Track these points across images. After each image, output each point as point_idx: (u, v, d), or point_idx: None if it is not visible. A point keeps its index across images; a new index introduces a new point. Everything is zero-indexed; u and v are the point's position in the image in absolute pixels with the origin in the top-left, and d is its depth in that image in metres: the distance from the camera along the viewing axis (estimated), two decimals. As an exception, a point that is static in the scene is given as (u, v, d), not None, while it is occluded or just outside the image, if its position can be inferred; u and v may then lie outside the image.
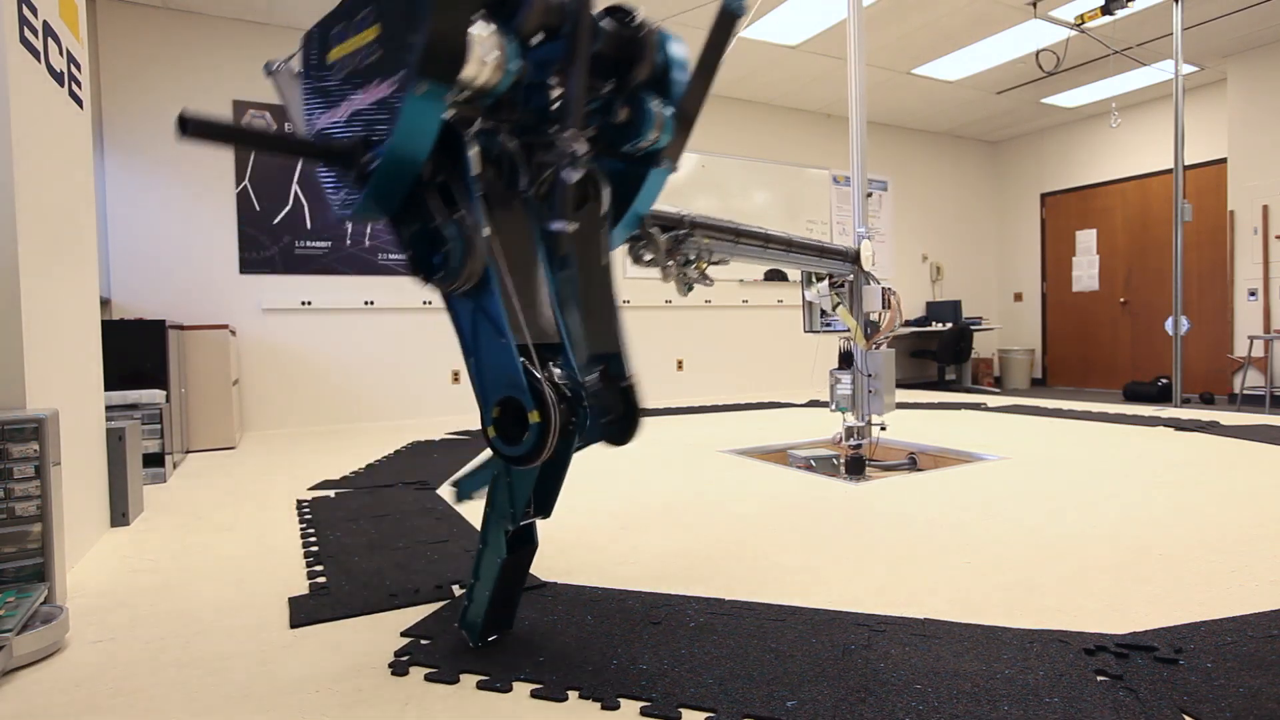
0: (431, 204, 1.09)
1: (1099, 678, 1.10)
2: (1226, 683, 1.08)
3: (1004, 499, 2.29)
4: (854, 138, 3.11)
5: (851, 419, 2.96)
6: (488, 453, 1.23)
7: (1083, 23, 4.72)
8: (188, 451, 3.66)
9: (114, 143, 4.18)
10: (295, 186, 4.61)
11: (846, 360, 2.95)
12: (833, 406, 2.97)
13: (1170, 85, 6.09)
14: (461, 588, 1.58)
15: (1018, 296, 7.79)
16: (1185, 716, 0.99)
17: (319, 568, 1.76)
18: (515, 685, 1.14)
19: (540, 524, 2.12)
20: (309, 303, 4.65)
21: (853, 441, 2.95)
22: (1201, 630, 1.27)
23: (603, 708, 1.07)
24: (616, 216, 1.36)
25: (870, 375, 2.91)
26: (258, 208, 4.51)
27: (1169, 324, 4.91)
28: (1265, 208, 5.44)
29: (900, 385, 7.16)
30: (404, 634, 1.35)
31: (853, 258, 2.88)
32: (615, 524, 2.10)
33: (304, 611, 1.47)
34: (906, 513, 2.15)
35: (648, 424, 4.33)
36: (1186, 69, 5.82)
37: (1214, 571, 1.59)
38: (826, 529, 2.00)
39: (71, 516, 1.83)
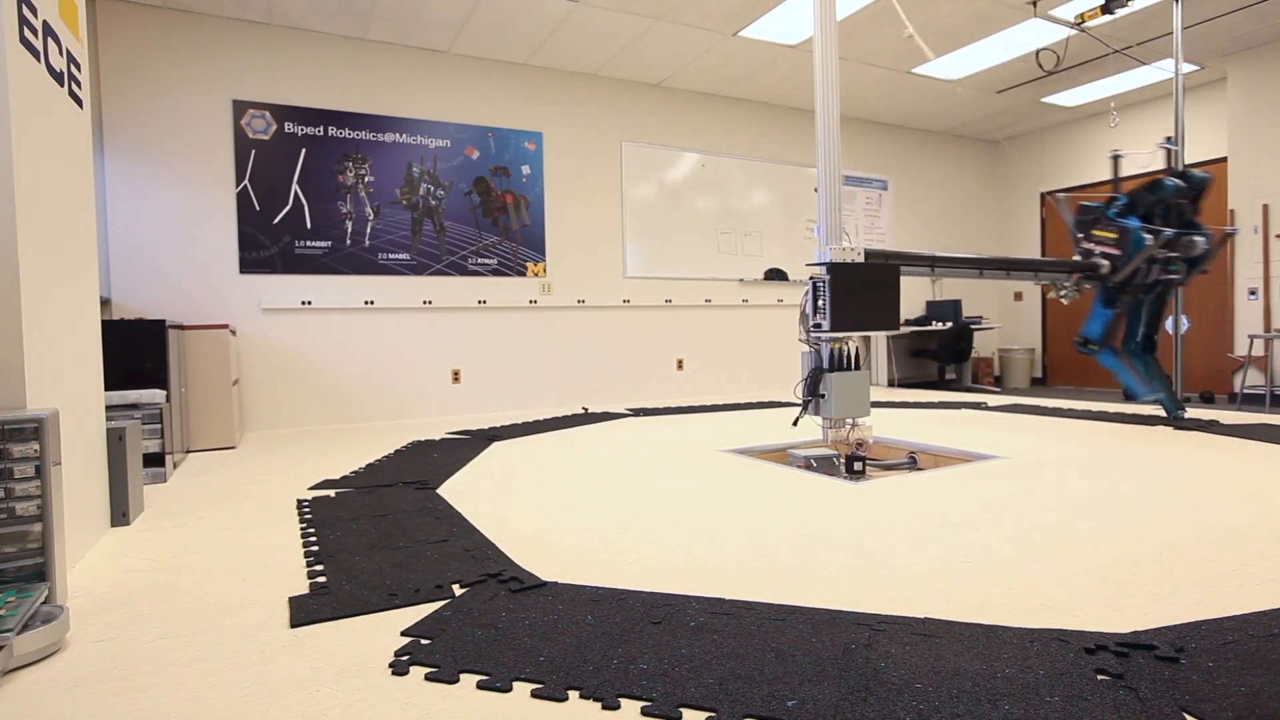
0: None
1: (1100, 677, 1.10)
2: (1228, 682, 1.08)
3: (1004, 498, 2.29)
4: (821, 141, 3.09)
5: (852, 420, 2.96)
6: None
7: (1083, 22, 4.71)
8: (188, 451, 3.66)
9: (114, 142, 4.18)
10: (295, 186, 4.61)
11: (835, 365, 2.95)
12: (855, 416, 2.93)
13: (1170, 84, 6.09)
14: (463, 587, 1.58)
15: (1018, 296, 7.78)
16: (1186, 715, 0.99)
17: (319, 567, 1.76)
18: (515, 685, 1.14)
19: (538, 524, 2.12)
20: (309, 302, 4.65)
21: (854, 439, 2.96)
22: (1202, 629, 1.27)
23: (603, 707, 1.07)
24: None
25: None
26: (257, 207, 4.51)
27: (1169, 323, 4.90)
28: (1265, 207, 5.44)
29: (900, 384, 7.16)
30: (404, 633, 1.35)
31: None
32: (615, 523, 2.10)
33: (304, 611, 1.47)
34: (907, 512, 2.15)
35: (646, 424, 4.34)
36: (1187, 68, 5.82)
37: (1215, 570, 1.59)
38: (827, 528, 2.00)
39: (72, 516, 1.83)
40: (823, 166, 2.97)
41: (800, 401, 2.99)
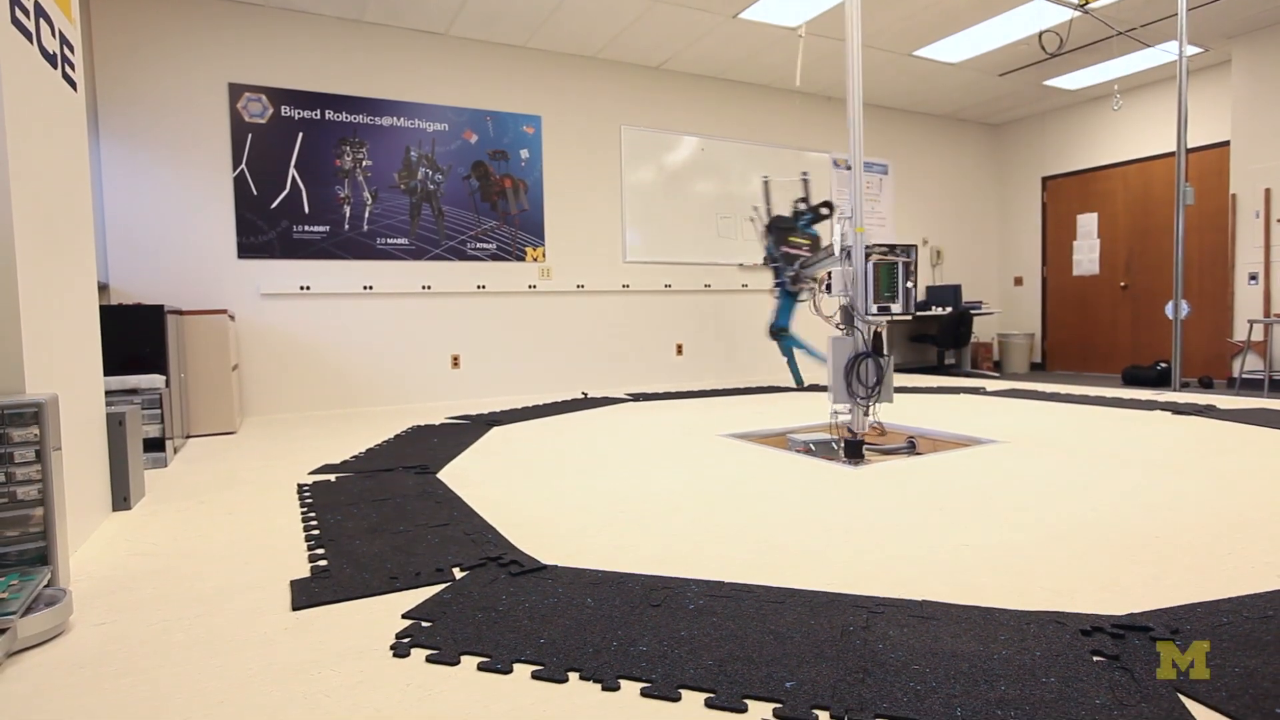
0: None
1: (1095, 658, 1.11)
2: (1222, 663, 1.09)
3: (1002, 482, 2.30)
4: (852, 124, 3.06)
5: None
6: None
7: (1086, 3, 4.67)
8: (188, 436, 3.67)
9: (109, 126, 4.15)
10: (292, 170, 4.58)
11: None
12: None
13: (1174, 67, 6.04)
14: (463, 570, 1.59)
15: (1018, 280, 7.77)
16: (1180, 696, 1.00)
17: (320, 551, 1.77)
18: (516, 667, 1.15)
19: (538, 508, 2.13)
20: (308, 288, 4.63)
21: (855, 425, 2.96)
22: (1198, 611, 1.28)
23: (603, 689, 1.08)
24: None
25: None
26: (255, 191, 4.49)
27: (1169, 308, 4.90)
28: (1267, 191, 5.42)
29: (900, 369, 7.16)
30: (405, 616, 1.36)
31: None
32: (615, 507, 2.11)
33: (306, 594, 1.48)
34: (905, 496, 2.16)
35: (646, 408, 4.35)
36: (1190, 50, 5.77)
37: (1210, 553, 1.60)
38: (825, 512, 2.01)
39: (73, 501, 1.84)
40: (855, 150, 2.94)
41: (845, 389, 2.90)
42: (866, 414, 2.94)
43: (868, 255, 2.89)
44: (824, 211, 5.16)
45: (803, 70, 5.95)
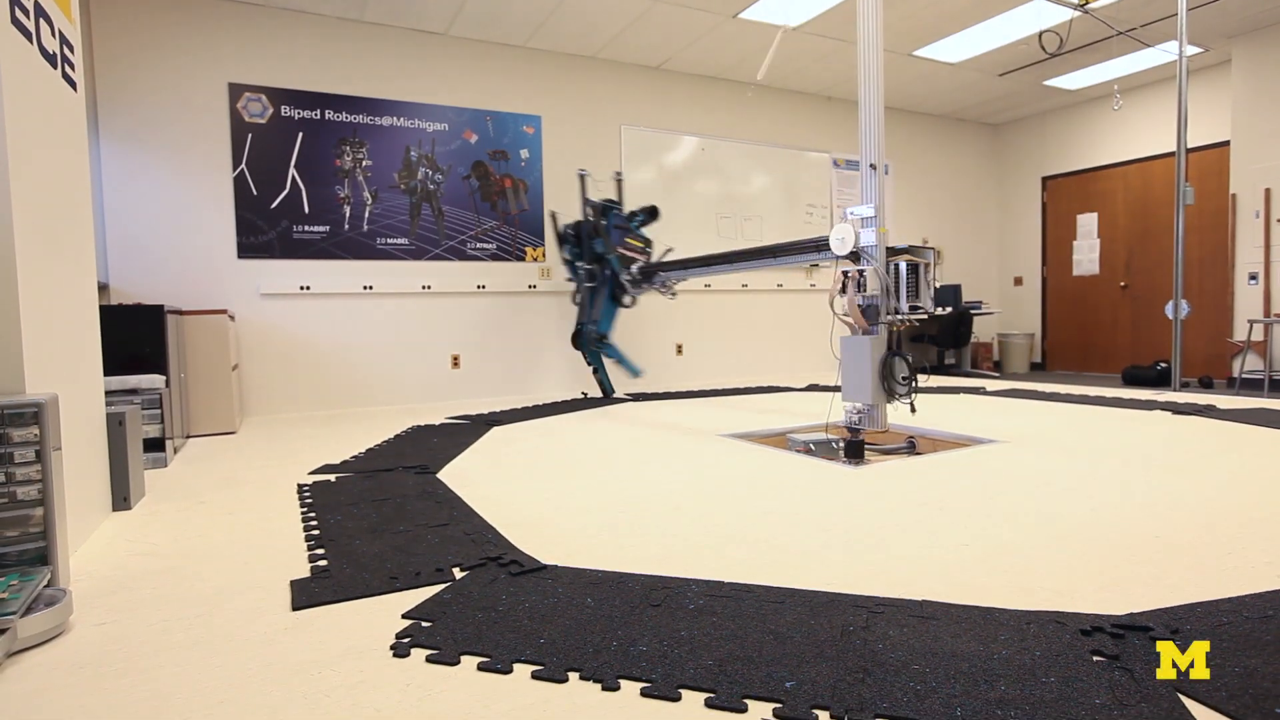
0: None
1: (1095, 658, 1.11)
2: (1222, 662, 1.09)
3: (1002, 482, 2.30)
4: (868, 124, 3.04)
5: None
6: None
7: (1087, 3, 4.67)
8: (188, 436, 3.67)
9: (109, 126, 4.15)
10: (292, 170, 4.58)
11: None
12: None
13: (1174, 67, 6.04)
14: (463, 570, 1.59)
15: (1018, 281, 7.77)
16: (1180, 695, 1.00)
17: (320, 551, 1.77)
18: (516, 667, 1.15)
19: (538, 508, 2.13)
20: (308, 288, 4.63)
21: (854, 424, 2.96)
22: (1198, 611, 1.28)
23: (603, 689, 1.08)
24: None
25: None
26: (255, 192, 4.49)
27: (1169, 308, 4.90)
28: (1267, 191, 5.42)
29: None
30: (405, 616, 1.36)
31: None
32: (615, 507, 2.11)
33: (306, 594, 1.48)
34: (905, 496, 2.16)
35: (648, 408, 4.34)
36: (1191, 50, 5.77)
37: (1210, 553, 1.60)
38: (825, 512, 2.01)
39: (73, 501, 1.84)
40: (877, 150, 2.93)
41: (880, 386, 2.93)
42: (913, 410, 3.00)
43: (892, 256, 2.90)
44: (642, 218, 4.93)
45: (801, 71, 5.95)
